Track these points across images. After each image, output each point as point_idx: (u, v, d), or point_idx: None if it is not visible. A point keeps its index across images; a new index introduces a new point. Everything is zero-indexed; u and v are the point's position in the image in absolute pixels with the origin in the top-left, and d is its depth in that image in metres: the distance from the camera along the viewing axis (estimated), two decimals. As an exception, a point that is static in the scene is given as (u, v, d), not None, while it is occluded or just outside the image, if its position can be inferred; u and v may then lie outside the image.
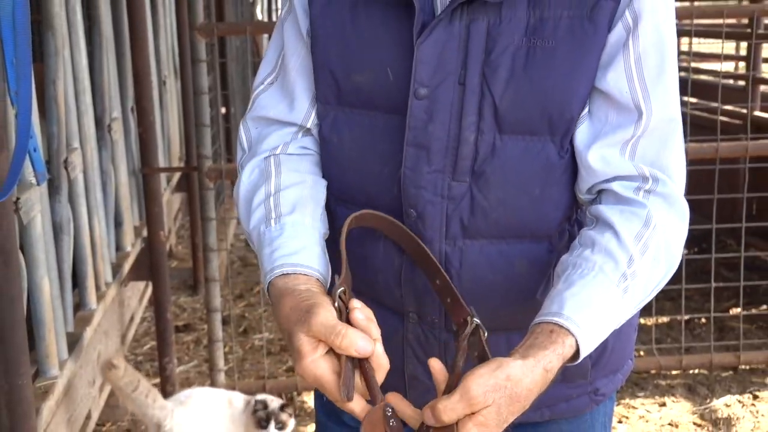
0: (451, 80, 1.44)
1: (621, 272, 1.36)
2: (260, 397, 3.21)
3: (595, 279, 1.34)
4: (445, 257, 1.51)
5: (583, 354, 1.29)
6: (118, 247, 4.31)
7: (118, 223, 4.33)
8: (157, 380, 4.53)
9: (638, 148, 1.44)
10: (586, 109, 1.46)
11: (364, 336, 1.19)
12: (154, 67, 5.10)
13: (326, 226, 1.51)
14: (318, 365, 1.20)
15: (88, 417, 3.37)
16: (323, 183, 1.56)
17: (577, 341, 1.28)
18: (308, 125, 1.57)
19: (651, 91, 1.44)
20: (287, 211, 1.45)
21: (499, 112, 1.44)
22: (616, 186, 1.45)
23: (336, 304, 1.24)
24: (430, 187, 1.48)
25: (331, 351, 1.23)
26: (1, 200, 2.08)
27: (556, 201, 1.51)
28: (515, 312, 1.53)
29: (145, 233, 4.51)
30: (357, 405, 1.21)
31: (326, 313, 1.21)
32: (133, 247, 4.44)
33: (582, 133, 1.47)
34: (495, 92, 1.43)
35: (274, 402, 3.11)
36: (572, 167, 1.50)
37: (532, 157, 1.47)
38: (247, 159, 1.57)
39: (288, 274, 1.35)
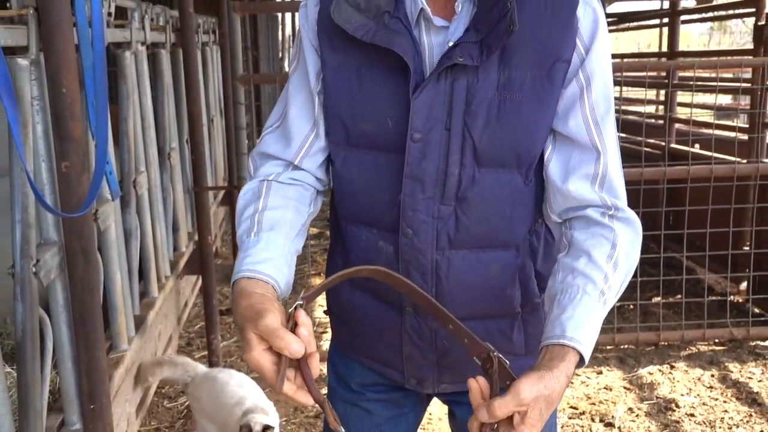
0: (440, 126, 1.43)
1: (600, 290, 1.37)
2: (250, 417, 2.83)
3: (582, 300, 1.35)
4: (436, 264, 1.51)
5: (587, 359, 1.31)
6: (175, 248, 4.30)
7: (175, 230, 4.32)
8: (205, 352, 4.52)
9: (605, 182, 1.45)
10: (550, 148, 1.46)
11: (298, 340, 1.16)
12: (204, 108, 5.10)
13: (299, 246, 1.48)
14: (261, 357, 1.18)
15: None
16: (305, 209, 1.53)
17: (581, 353, 1.30)
18: (297, 162, 1.55)
19: (603, 132, 1.44)
20: (266, 228, 1.42)
21: (477, 151, 1.44)
22: (588, 212, 1.45)
23: (289, 312, 1.21)
24: (424, 210, 1.48)
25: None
26: (83, 212, 2.07)
27: (522, 218, 1.51)
28: (490, 304, 1.53)
29: (196, 237, 4.51)
30: (289, 391, 1.18)
31: (272, 317, 1.19)
32: (186, 248, 4.43)
33: (554, 169, 1.47)
34: (474, 135, 1.43)
35: (258, 426, 2.78)
36: (534, 192, 1.50)
37: (503, 185, 1.47)
38: (248, 181, 1.56)
39: (250, 278, 1.32)
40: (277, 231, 1.42)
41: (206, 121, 5.36)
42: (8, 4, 2.07)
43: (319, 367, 1.19)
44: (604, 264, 1.39)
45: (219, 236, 6.43)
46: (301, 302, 1.22)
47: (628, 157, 5.83)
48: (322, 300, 5.45)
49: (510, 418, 1.22)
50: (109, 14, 2.94)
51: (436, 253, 1.51)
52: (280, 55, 12.59)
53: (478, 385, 1.25)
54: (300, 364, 1.17)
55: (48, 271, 2.15)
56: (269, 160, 1.56)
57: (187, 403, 4.01)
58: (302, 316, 1.20)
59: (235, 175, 4.47)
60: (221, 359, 4.37)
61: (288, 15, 12.91)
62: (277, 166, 1.55)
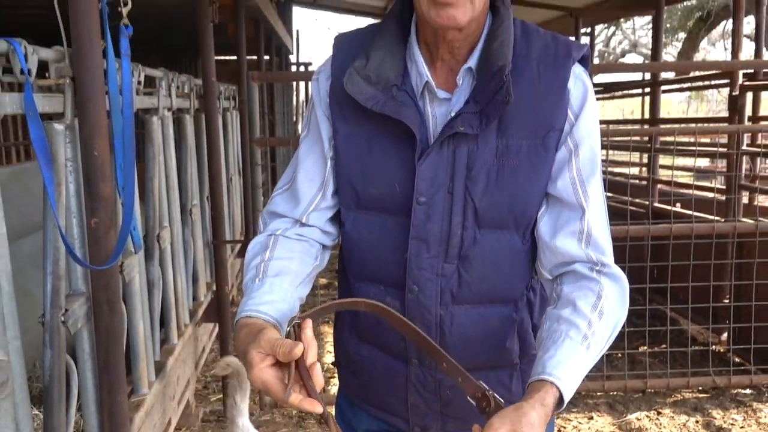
0: (443, 191, 1.43)
1: (582, 334, 1.34)
2: None
3: (564, 343, 1.33)
4: (440, 319, 1.50)
5: (567, 397, 1.27)
6: (194, 298, 4.28)
7: (195, 280, 4.30)
8: (220, 395, 4.47)
9: (590, 239, 1.43)
10: (543, 208, 1.46)
11: (298, 343, 1.14)
12: (223, 168, 5.12)
13: (302, 293, 1.47)
14: (265, 373, 1.16)
15: (169, 423, 3.31)
16: (310, 261, 1.51)
17: (558, 388, 1.26)
18: (304, 220, 1.54)
19: (588, 190, 1.44)
20: (271, 275, 1.41)
21: (478, 213, 1.44)
22: (576, 267, 1.44)
23: (288, 329, 1.19)
24: (429, 269, 1.47)
25: (276, 363, 1.18)
26: (111, 265, 2.06)
27: (520, 275, 1.50)
28: (490, 356, 1.52)
29: (214, 287, 4.49)
30: (295, 401, 1.15)
31: (272, 333, 1.18)
32: (205, 297, 4.41)
33: (544, 227, 1.46)
34: (475, 199, 1.43)
35: None
36: (531, 250, 1.49)
37: (502, 245, 1.46)
38: (258, 236, 1.55)
39: (251, 317, 1.31)
40: (281, 277, 1.41)
41: (225, 180, 5.39)
42: (47, 74, 2.09)
43: (322, 378, 1.16)
44: (588, 312, 1.36)
45: (235, 286, 6.41)
46: (297, 321, 1.20)
47: (615, 215, 5.82)
48: (330, 350, 5.40)
49: None
50: (139, 83, 2.98)
51: (440, 309, 1.49)
52: (294, 119, 12.70)
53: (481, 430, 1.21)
54: (302, 378, 1.14)
55: (75, 320, 2.14)
56: (278, 218, 1.55)
57: (202, 443, 3.95)
58: (305, 330, 1.18)
59: (251, 229, 4.48)
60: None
61: (302, 83, 13.06)
62: (285, 223, 1.54)
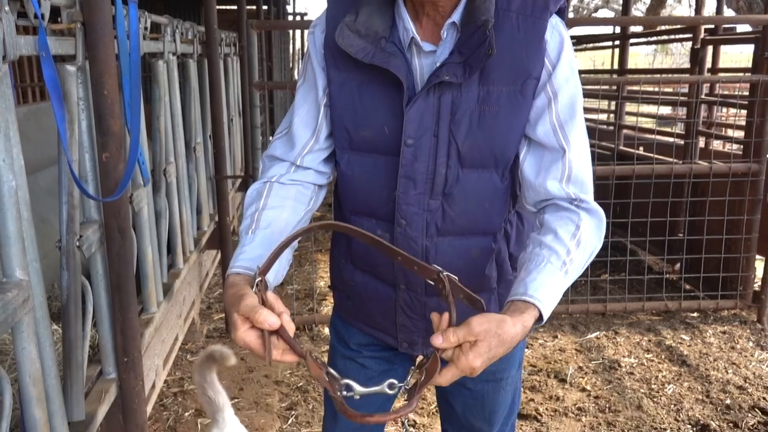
0: (429, 134, 1.44)
1: (562, 260, 1.36)
2: None
3: (545, 267, 1.34)
4: (425, 249, 1.52)
5: (545, 317, 1.28)
6: (199, 227, 4.29)
7: (198, 212, 4.30)
8: (222, 315, 4.52)
9: (571, 178, 1.43)
10: (525, 150, 1.46)
11: (273, 314, 1.14)
12: (225, 109, 5.07)
13: (292, 242, 1.46)
14: (246, 335, 1.16)
15: (176, 339, 3.36)
16: (302, 208, 1.51)
17: (539, 309, 1.27)
18: (299, 162, 1.54)
19: (568, 133, 1.43)
20: (263, 227, 1.41)
21: (461, 154, 1.44)
22: (557, 201, 1.45)
23: (255, 290, 1.20)
24: (416, 204, 1.48)
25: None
26: (118, 196, 2.06)
27: (499, 210, 1.52)
28: (471, 282, 1.53)
29: (216, 218, 4.50)
30: (277, 356, 1.17)
31: (251, 299, 1.17)
32: (208, 227, 4.41)
33: (528, 168, 1.46)
34: (458, 141, 1.43)
35: None
36: (509, 187, 1.51)
37: (483, 183, 1.47)
38: (256, 181, 1.56)
39: (239, 273, 1.31)
40: (272, 229, 1.41)
41: (227, 120, 5.34)
42: (59, 19, 2.05)
43: (293, 325, 1.18)
44: (567, 240, 1.38)
45: (236, 217, 6.42)
46: (259, 278, 1.20)
47: (583, 156, 5.82)
48: (323, 275, 5.45)
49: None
50: (145, 29, 2.92)
51: (425, 240, 1.51)
52: (291, 65, 12.52)
53: (439, 317, 1.22)
54: (279, 331, 1.15)
55: (89, 245, 2.15)
56: (276, 162, 1.56)
57: (207, 358, 4.02)
58: (268, 295, 1.19)
59: (250, 165, 4.46)
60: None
61: (298, 32, 12.83)
62: (281, 167, 1.55)
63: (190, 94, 4.08)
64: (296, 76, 12.39)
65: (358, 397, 1.17)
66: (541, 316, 1.27)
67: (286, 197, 1.50)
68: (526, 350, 4.15)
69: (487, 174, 1.46)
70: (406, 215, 1.49)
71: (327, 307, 4.78)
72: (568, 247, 1.37)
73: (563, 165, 1.43)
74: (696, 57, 5.44)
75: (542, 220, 1.45)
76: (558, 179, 1.43)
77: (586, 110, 8.51)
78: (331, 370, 1.18)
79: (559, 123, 1.43)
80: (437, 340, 1.16)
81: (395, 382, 1.18)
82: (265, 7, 8.77)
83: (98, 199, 2.10)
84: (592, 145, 5.93)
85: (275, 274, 1.36)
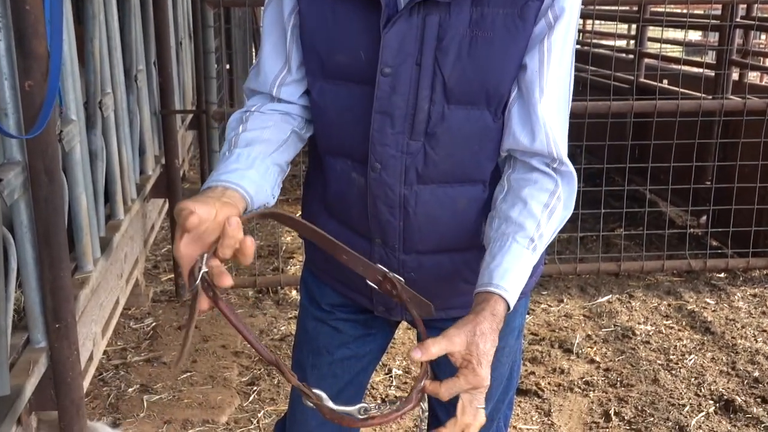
0: (410, 61, 1.43)
1: (530, 237, 1.41)
2: None
3: (511, 248, 1.40)
4: (403, 198, 1.52)
5: (513, 305, 1.37)
6: (142, 171, 4.26)
7: (141, 152, 4.26)
8: (171, 275, 4.53)
9: (554, 134, 1.44)
10: (516, 91, 1.46)
11: (198, 215, 1.18)
12: (172, 30, 4.99)
13: (281, 159, 1.51)
14: (187, 249, 1.21)
15: (117, 303, 3.36)
16: (287, 127, 1.55)
17: (506, 299, 1.36)
18: (274, 94, 1.57)
19: (552, 72, 1.43)
20: (241, 145, 1.46)
21: (447, 87, 1.43)
22: (534, 161, 1.47)
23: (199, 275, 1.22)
24: (393, 145, 1.48)
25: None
26: (40, 131, 2.03)
27: (490, 154, 1.52)
28: (457, 237, 1.56)
29: (163, 161, 4.46)
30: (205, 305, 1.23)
31: (205, 207, 1.21)
32: (153, 171, 4.38)
33: (514, 111, 1.46)
34: (444, 71, 1.42)
35: None
36: (502, 128, 1.50)
37: (472, 123, 1.47)
38: (235, 113, 1.59)
39: (214, 187, 1.35)
40: (251, 147, 1.45)
41: (174, 43, 5.25)
42: None
43: (239, 224, 1.21)
44: (538, 212, 1.43)
45: (187, 160, 6.38)
46: (206, 270, 1.22)
47: (598, 90, 5.83)
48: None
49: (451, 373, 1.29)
50: (73, -71, 2.85)
51: (404, 188, 1.52)
52: (251, -23, 12.33)
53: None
54: (218, 304, 1.19)
55: (11, 191, 2.13)
56: (254, 95, 1.60)
57: (153, 324, 4.04)
58: (232, 220, 1.22)
59: (203, 98, 4.41)
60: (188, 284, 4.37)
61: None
62: (262, 99, 1.58)
63: (130, 12, 4.01)
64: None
65: (327, 413, 1.22)
66: (509, 305, 1.36)
67: (269, 120, 1.53)
68: (527, 316, 4.21)
69: (477, 112, 1.46)
70: (381, 158, 1.50)
71: (295, 267, 4.80)
72: (538, 220, 1.42)
73: (548, 112, 1.44)
74: (732, -28, 5.41)
75: (510, 181, 1.48)
76: (541, 131, 1.44)
77: (601, 35, 8.48)
78: (302, 386, 1.21)
79: (548, 57, 1.42)
80: (416, 354, 1.25)
81: (367, 407, 1.24)
82: None
83: (19, 137, 2.07)
84: (607, 77, 5.95)
85: (258, 192, 1.39)
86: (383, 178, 1.51)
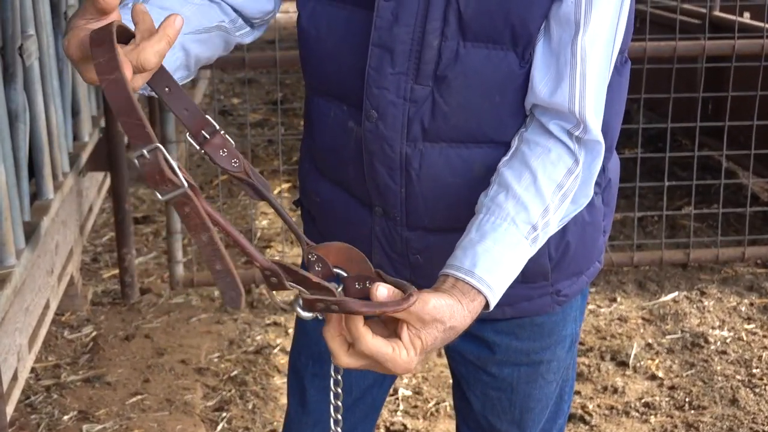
0: None
1: (532, 224, 1.40)
2: None
3: (507, 232, 1.38)
4: (405, 158, 1.53)
5: (491, 308, 1.35)
6: (76, 137, 4.25)
7: (75, 113, 4.25)
8: (115, 271, 4.54)
9: (579, 85, 1.43)
10: (542, 27, 1.45)
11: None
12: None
13: (199, 51, 1.47)
14: (84, 30, 1.16)
15: (47, 306, 3.37)
16: (214, 16, 1.51)
17: (486, 299, 1.34)
18: None
19: (594, 6, 1.41)
20: (156, 3, 1.39)
21: (463, 19, 1.43)
22: (552, 126, 1.46)
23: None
24: (393, 89, 1.49)
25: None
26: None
27: (515, 109, 1.52)
28: (470, 213, 1.55)
29: (103, 123, 4.45)
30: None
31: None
32: (90, 137, 4.38)
33: (540, 56, 1.46)
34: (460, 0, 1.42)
35: None
36: (529, 76, 1.50)
37: (493, 66, 1.47)
38: None
39: None
40: (167, 11, 1.33)
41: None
42: None
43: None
44: (548, 191, 1.42)
45: (132, 122, 6.37)
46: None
47: (659, 26, 5.81)
48: (269, 209, 5.45)
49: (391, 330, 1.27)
50: None
51: (406, 145, 1.52)
52: None
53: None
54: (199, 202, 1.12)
55: None
56: None
57: (93, 334, 4.05)
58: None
59: (152, 43, 4.41)
60: (136, 279, 4.39)
61: None
62: None
63: (56, -69, 3.99)
64: None
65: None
66: (487, 304, 1.34)
67: (192, 2, 1.48)
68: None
69: (500, 53, 1.46)
70: (378, 104, 1.50)
71: (273, 258, 4.79)
72: (546, 204, 1.41)
73: (585, 56, 1.43)
74: None
75: (520, 141, 1.47)
76: (566, 78, 1.43)
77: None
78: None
79: None
80: (382, 293, 1.22)
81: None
82: None
83: None
84: (671, 9, 5.91)
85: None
86: (380, 130, 1.52)
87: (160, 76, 1.27)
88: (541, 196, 1.41)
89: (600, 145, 1.46)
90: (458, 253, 1.37)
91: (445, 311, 1.26)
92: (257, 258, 1.17)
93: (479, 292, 1.32)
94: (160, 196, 1.08)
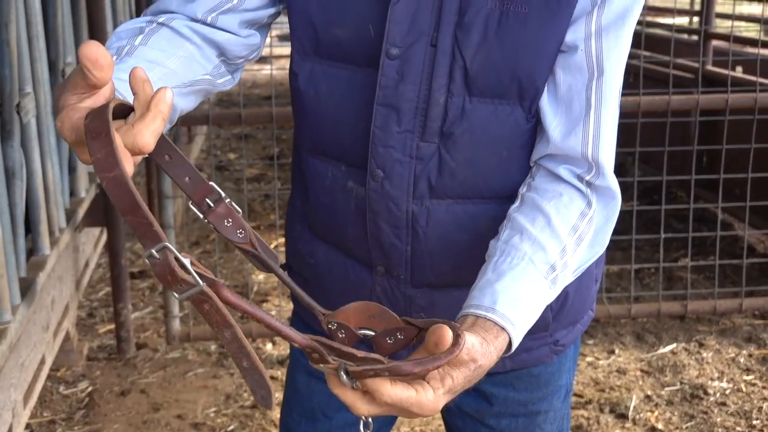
0: (424, 41, 1.44)
1: (550, 264, 1.37)
2: None
3: (525, 271, 1.35)
4: (412, 216, 1.53)
5: (513, 348, 1.30)
6: (72, 193, 4.26)
7: (71, 169, 4.26)
8: (112, 326, 4.52)
9: (593, 128, 1.44)
10: (551, 73, 1.46)
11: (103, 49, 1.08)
12: (109, 14, 5.01)
13: (180, 104, 1.44)
14: (77, 110, 1.08)
15: (42, 362, 3.35)
16: (198, 69, 1.47)
17: (510, 336, 1.28)
18: (209, 21, 1.49)
19: (606, 53, 1.42)
20: (140, 58, 1.35)
21: (469, 75, 1.44)
22: (562, 171, 1.45)
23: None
24: (399, 147, 1.49)
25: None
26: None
27: (522, 163, 1.52)
28: (477, 268, 1.54)
29: (98, 180, 4.46)
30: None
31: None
32: (87, 192, 4.38)
33: (548, 104, 1.47)
34: (466, 55, 1.43)
35: None
36: (536, 130, 1.51)
37: (500, 121, 1.47)
38: (130, 21, 1.49)
39: None
40: (152, 66, 1.35)
41: (111, 28, 5.28)
42: None
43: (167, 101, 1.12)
44: (564, 233, 1.40)
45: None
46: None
47: (652, 81, 5.86)
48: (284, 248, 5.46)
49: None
50: None
51: (413, 203, 1.52)
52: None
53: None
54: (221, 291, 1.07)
55: None
56: (165, 14, 1.50)
57: (89, 389, 4.03)
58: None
59: (149, 99, 4.44)
60: (132, 334, 4.38)
61: None
62: (177, 16, 1.49)
63: (55, -11, 4.03)
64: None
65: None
66: (509, 346, 1.29)
67: (180, 48, 1.45)
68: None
69: (506, 108, 1.47)
70: (384, 163, 1.50)
71: (270, 312, 4.79)
72: (563, 245, 1.39)
73: (596, 109, 1.43)
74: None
75: (528, 190, 1.46)
76: (580, 121, 1.44)
77: (657, 11, 8.57)
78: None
79: (597, 40, 1.42)
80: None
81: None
82: None
83: None
84: (665, 65, 5.97)
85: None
86: (386, 189, 1.51)
87: (160, 145, 1.23)
88: (557, 237, 1.39)
89: (613, 192, 1.46)
90: (476, 294, 1.33)
91: (478, 350, 1.21)
92: (296, 339, 1.13)
93: (503, 329, 1.27)
94: (176, 296, 1.04)
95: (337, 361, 1.15)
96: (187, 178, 1.28)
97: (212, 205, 1.28)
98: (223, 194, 1.29)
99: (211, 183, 1.28)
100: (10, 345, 2.84)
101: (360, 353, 1.14)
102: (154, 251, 1.00)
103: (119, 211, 1.03)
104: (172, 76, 1.40)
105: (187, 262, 1.02)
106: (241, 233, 1.30)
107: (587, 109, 1.43)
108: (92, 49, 1.04)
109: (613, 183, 1.46)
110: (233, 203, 1.30)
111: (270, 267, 1.34)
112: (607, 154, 1.45)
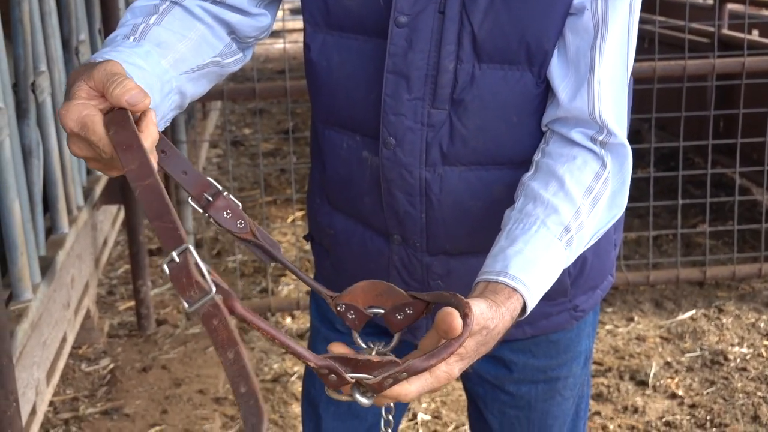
0: (432, 9, 1.44)
1: (564, 225, 1.37)
2: None
3: (538, 233, 1.36)
4: (425, 183, 1.54)
5: (529, 310, 1.31)
6: (89, 171, 4.27)
7: (88, 147, 4.28)
8: (132, 303, 4.55)
9: (599, 89, 1.43)
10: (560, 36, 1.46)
11: (141, 90, 1.14)
12: (120, -11, 5.01)
13: (189, 90, 1.46)
14: (87, 106, 1.14)
15: (64, 340, 3.37)
16: (208, 52, 1.50)
17: (524, 299, 1.29)
18: None
19: (613, 17, 1.42)
20: (153, 42, 1.39)
21: (477, 41, 1.44)
22: (574, 134, 1.45)
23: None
24: (410, 115, 1.50)
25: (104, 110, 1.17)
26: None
27: (533, 129, 1.53)
28: (493, 235, 1.55)
29: (116, 157, 4.46)
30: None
31: (114, 66, 1.18)
32: (104, 171, 4.39)
33: (557, 67, 1.46)
34: (474, 21, 1.43)
35: None
36: (546, 95, 1.51)
37: (510, 87, 1.48)
38: None
39: (107, 60, 1.26)
40: (164, 51, 1.39)
41: (124, 5, 5.28)
42: None
43: (156, 130, 1.18)
44: (578, 195, 1.40)
45: (145, 155, 6.39)
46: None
47: (667, 46, 5.82)
48: (283, 237, 5.46)
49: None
50: None
51: (425, 170, 1.53)
52: None
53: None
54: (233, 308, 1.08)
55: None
56: None
57: (110, 366, 4.06)
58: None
59: (163, 75, 4.44)
60: (152, 311, 4.40)
61: None
62: None
63: (66, -33, 4.03)
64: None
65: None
66: (524, 308, 1.30)
67: (192, 30, 1.47)
68: (587, 340, 4.21)
69: (516, 73, 1.48)
70: (396, 131, 1.51)
71: (289, 287, 4.81)
72: (577, 206, 1.39)
73: (603, 65, 1.43)
74: None
75: (542, 157, 1.46)
76: (585, 83, 1.43)
77: (672, -25, 8.35)
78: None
79: (604, 1, 1.41)
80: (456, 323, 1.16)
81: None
82: None
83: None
84: (680, 29, 5.92)
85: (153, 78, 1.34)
86: (398, 156, 1.52)
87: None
88: (571, 199, 1.39)
89: (625, 149, 1.46)
90: (488, 261, 1.34)
91: (487, 315, 1.22)
92: (310, 359, 1.13)
93: (514, 290, 1.28)
94: (187, 307, 1.03)
95: (355, 378, 1.15)
96: (183, 174, 1.31)
97: (210, 198, 1.31)
98: (220, 188, 1.32)
99: (208, 178, 1.31)
100: (31, 323, 2.86)
101: (376, 358, 1.15)
102: (175, 254, 1.02)
103: (149, 217, 1.06)
104: (182, 62, 1.42)
105: (204, 268, 1.03)
106: (240, 224, 1.33)
107: (591, 68, 1.43)
108: (136, 98, 1.14)
109: (623, 139, 1.46)
110: (231, 196, 1.33)
111: (273, 256, 1.35)
112: (613, 114, 1.45)
